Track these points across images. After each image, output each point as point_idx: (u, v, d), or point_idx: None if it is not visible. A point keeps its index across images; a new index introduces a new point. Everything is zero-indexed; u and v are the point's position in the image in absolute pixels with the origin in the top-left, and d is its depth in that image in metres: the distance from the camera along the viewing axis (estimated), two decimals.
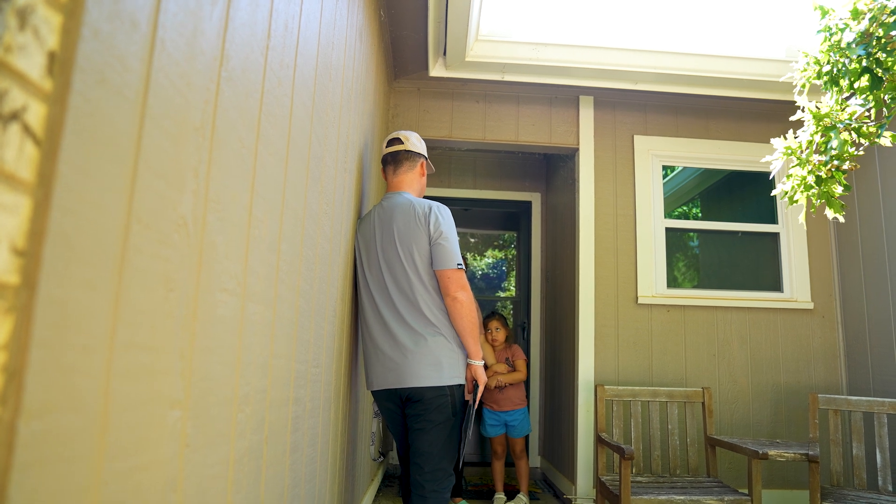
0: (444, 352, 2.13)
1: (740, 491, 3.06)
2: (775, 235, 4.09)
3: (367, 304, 2.25)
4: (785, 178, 2.20)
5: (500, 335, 3.94)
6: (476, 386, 2.20)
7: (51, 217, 0.52)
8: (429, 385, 2.10)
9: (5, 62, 0.46)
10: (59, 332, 0.53)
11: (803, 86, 2.13)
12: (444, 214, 2.22)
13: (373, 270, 2.24)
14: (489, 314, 4.07)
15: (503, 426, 3.87)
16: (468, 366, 2.20)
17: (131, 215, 0.65)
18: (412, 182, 2.40)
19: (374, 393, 2.27)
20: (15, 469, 0.48)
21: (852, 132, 1.99)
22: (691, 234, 4.36)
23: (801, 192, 2.13)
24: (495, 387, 3.82)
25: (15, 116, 0.48)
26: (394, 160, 2.39)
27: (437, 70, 3.78)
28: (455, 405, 2.15)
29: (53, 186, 0.52)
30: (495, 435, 3.88)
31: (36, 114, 0.50)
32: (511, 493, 4.00)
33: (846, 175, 2.31)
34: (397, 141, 2.42)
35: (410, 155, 2.40)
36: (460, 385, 2.18)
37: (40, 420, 0.51)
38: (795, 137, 2.14)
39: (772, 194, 2.46)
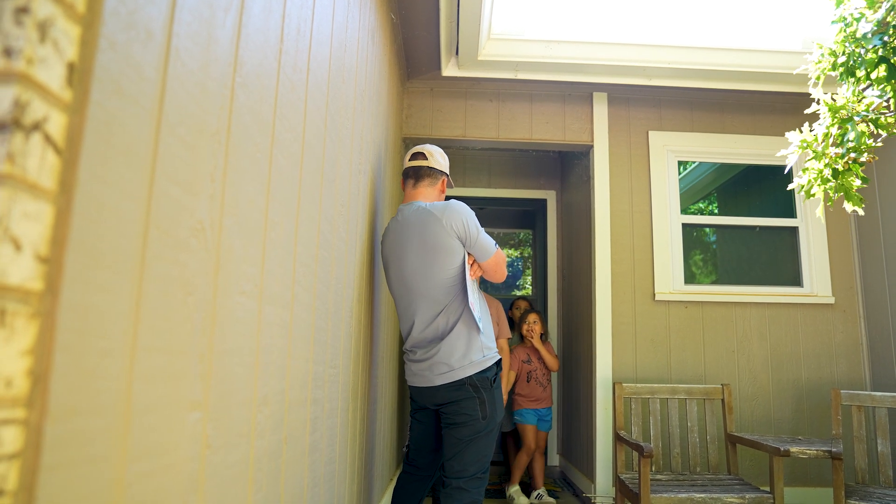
0: (456, 353, 2.14)
1: (762, 489, 3.03)
2: (794, 229, 4.04)
3: (398, 309, 2.32)
4: (801, 172, 2.18)
5: (537, 328, 4.02)
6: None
7: (72, 224, 0.53)
8: (446, 382, 2.12)
9: (27, 75, 0.48)
10: (82, 337, 0.54)
11: (818, 77, 2.10)
12: (462, 212, 2.19)
13: (395, 276, 2.28)
14: (528, 310, 4.18)
15: (537, 420, 4.05)
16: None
17: (150, 221, 0.66)
18: (429, 196, 2.37)
19: (411, 389, 2.34)
20: (42, 470, 0.49)
21: (870, 123, 1.96)
22: (708, 229, 4.32)
23: (818, 185, 2.10)
24: (532, 380, 4.04)
25: (37, 127, 0.49)
26: (415, 174, 2.37)
27: (449, 70, 3.78)
28: (480, 396, 2.13)
29: (74, 194, 0.53)
30: (532, 423, 4.02)
31: (56, 124, 0.52)
32: (523, 485, 4.14)
33: (864, 167, 2.27)
34: (421, 156, 2.40)
35: (432, 171, 2.38)
36: (481, 372, 2.14)
37: (65, 422, 0.52)
38: (811, 130, 2.11)
39: (788, 188, 2.43)
